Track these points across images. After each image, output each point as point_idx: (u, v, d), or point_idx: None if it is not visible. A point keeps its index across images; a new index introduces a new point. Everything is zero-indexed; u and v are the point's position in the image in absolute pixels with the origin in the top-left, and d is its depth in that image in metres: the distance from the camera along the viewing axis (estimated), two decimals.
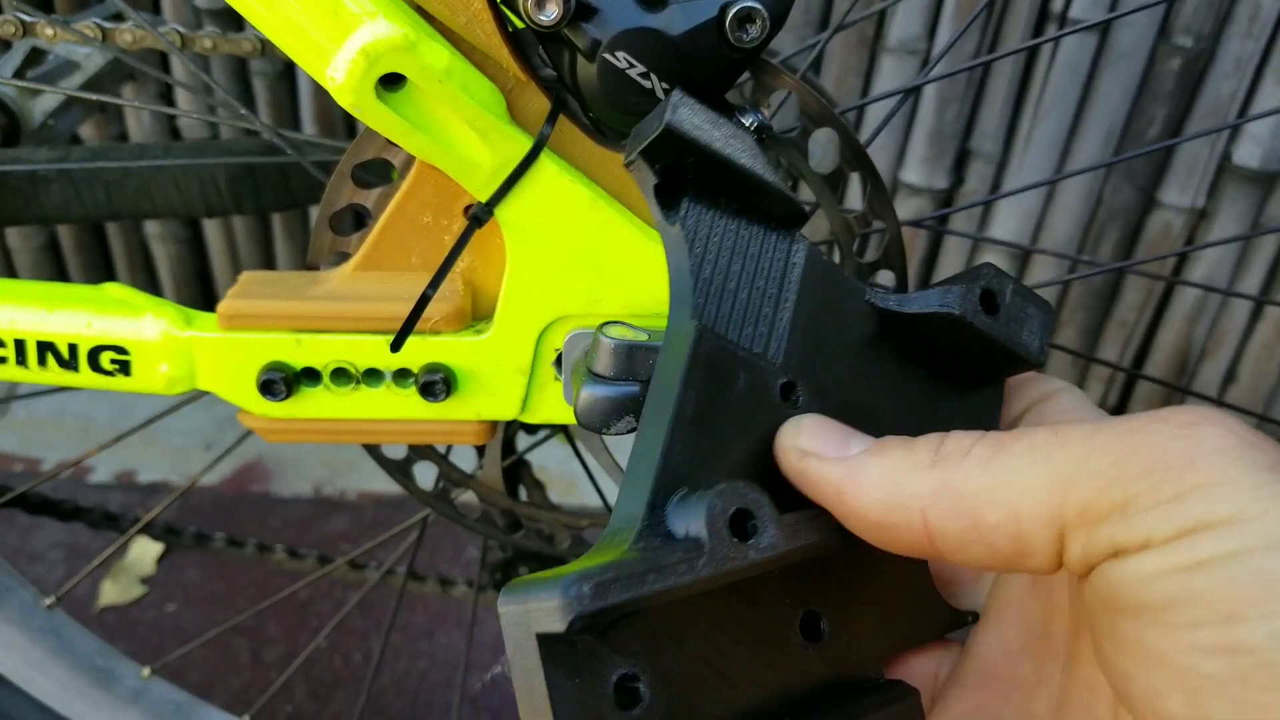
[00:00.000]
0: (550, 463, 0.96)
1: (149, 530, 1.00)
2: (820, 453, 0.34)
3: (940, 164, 1.43)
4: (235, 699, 1.14)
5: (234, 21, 1.38)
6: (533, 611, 0.29)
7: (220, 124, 1.43)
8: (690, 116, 0.35)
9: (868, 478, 0.33)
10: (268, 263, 1.60)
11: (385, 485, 1.48)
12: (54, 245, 1.62)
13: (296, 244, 1.57)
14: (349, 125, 1.46)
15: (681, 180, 0.36)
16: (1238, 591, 0.26)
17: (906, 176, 1.44)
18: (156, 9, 1.40)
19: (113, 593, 1.27)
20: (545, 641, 0.29)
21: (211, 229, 1.57)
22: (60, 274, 1.62)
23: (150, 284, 1.65)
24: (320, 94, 1.42)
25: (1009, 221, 1.45)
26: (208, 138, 1.47)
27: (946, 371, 0.39)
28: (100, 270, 1.64)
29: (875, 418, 0.37)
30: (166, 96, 1.49)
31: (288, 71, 1.43)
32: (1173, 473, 0.28)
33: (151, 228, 1.58)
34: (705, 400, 0.34)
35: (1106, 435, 0.29)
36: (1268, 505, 0.26)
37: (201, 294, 1.66)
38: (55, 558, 1.32)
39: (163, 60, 1.41)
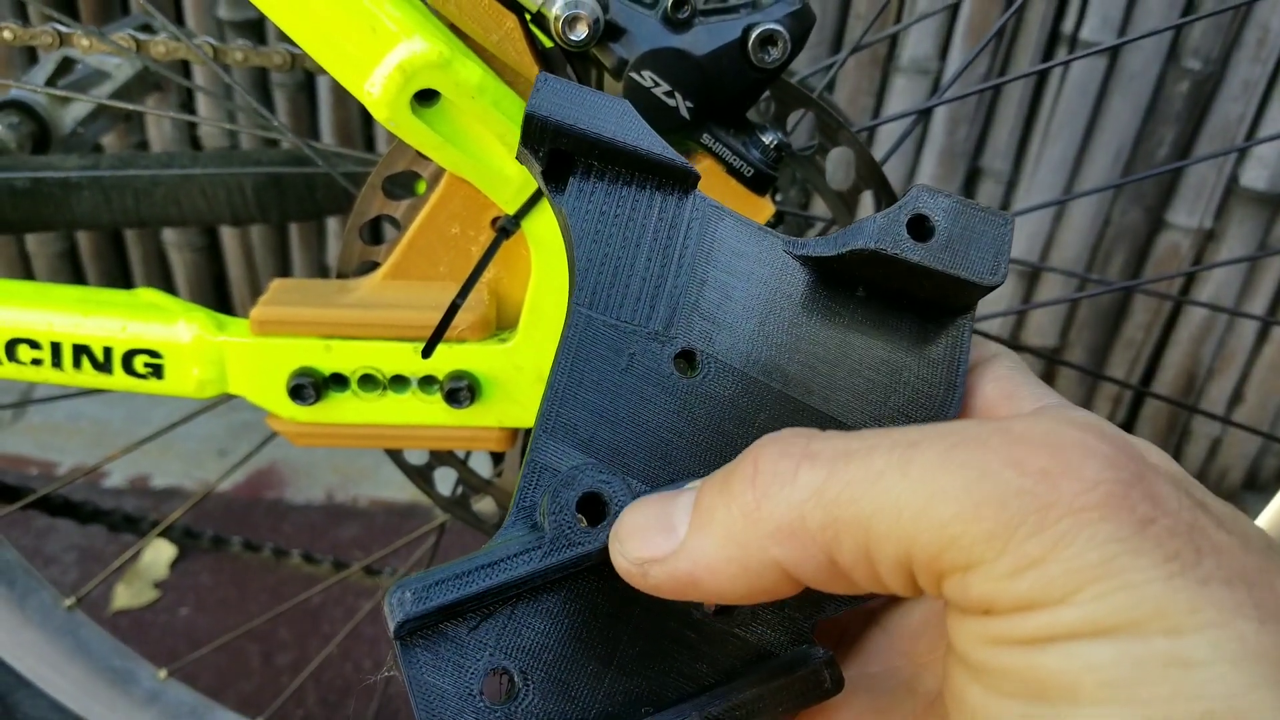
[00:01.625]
0: None
1: (167, 533, 1.02)
2: (654, 555, 0.30)
3: (951, 183, 1.45)
4: (246, 703, 1.14)
5: (256, 34, 1.40)
6: (387, 617, 0.30)
7: (241, 133, 1.45)
8: (551, 99, 0.33)
9: (712, 555, 0.29)
10: (284, 271, 1.62)
11: (397, 493, 1.49)
12: (73, 252, 1.64)
13: (312, 253, 1.59)
14: (367, 137, 1.48)
15: (568, 161, 0.34)
16: (1053, 675, 0.25)
17: None
18: (180, 21, 1.42)
19: (126, 596, 1.28)
20: (402, 643, 0.30)
21: (229, 237, 1.59)
22: (78, 280, 1.64)
23: (167, 291, 1.67)
24: (339, 106, 1.44)
25: (1018, 240, 1.47)
26: (229, 147, 1.49)
27: (897, 314, 0.36)
28: (118, 277, 1.66)
29: (815, 381, 0.35)
30: (187, 106, 1.51)
31: (307, 83, 1.45)
32: (1017, 542, 0.26)
33: (169, 235, 1.60)
34: (593, 384, 0.33)
35: (954, 474, 0.26)
36: (1108, 585, 0.25)
37: (218, 301, 1.67)
38: (69, 560, 1.33)
39: (184, 71, 1.43)
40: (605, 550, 0.31)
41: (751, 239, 0.35)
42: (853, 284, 0.35)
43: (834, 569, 0.28)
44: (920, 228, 0.33)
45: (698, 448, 0.34)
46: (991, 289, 0.34)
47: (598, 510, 0.31)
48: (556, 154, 0.34)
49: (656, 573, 0.30)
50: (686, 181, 0.35)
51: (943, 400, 0.35)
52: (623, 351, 0.34)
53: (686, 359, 0.34)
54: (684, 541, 0.30)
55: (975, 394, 0.36)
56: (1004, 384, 0.35)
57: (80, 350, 0.55)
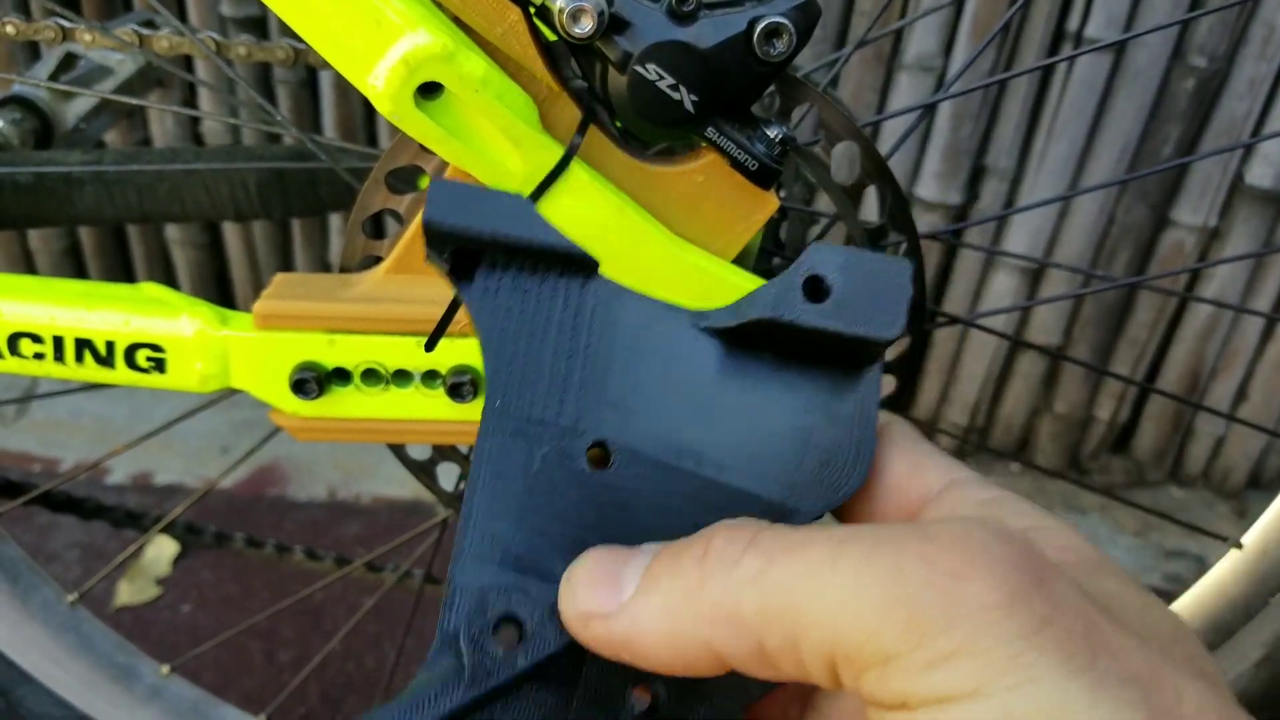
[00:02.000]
0: None
1: (169, 530, 1.02)
2: (599, 609, 0.32)
3: (955, 179, 1.44)
4: (248, 699, 1.14)
5: (259, 30, 1.40)
6: None
7: (243, 128, 1.45)
8: (447, 204, 0.33)
9: (649, 622, 0.31)
10: (286, 267, 1.62)
11: (399, 490, 1.49)
12: (75, 248, 1.64)
13: (315, 249, 1.59)
14: (369, 133, 1.48)
15: (474, 258, 0.35)
16: None
17: (921, 191, 1.45)
18: (182, 17, 1.42)
19: (128, 593, 1.28)
20: None
21: (231, 234, 1.59)
22: (80, 276, 1.64)
23: (169, 287, 1.67)
24: (342, 102, 1.44)
25: (1022, 237, 1.47)
26: (231, 143, 1.49)
27: (805, 375, 0.36)
28: (120, 273, 1.66)
29: (729, 456, 0.35)
30: (189, 102, 1.51)
31: (310, 80, 1.45)
32: (929, 637, 0.27)
33: (172, 232, 1.60)
34: (509, 492, 0.33)
35: (875, 571, 0.28)
36: (1014, 679, 0.26)
37: (220, 298, 1.67)
38: (71, 557, 1.33)
39: (187, 67, 1.43)
40: (522, 675, 0.31)
41: (655, 317, 0.35)
42: (759, 351, 0.35)
43: (762, 655, 0.29)
44: (816, 289, 0.33)
45: (618, 542, 0.33)
46: (887, 345, 0.34)
47: (516, 631, 0.32)
48: (460, 254, 0.34)
49: (596, 627, 0.31)
50: (587, 268, 0.35)
51: (854, 460, 0.36)
52: (535, 452, 0.33)
53: (600, 451, 0.34)
54: (627, 603, 0.31)
55: (883, 470, 0.37)
56: (909, 458, 0.37)
57: (83, 344, 0.55)
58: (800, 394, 0.36)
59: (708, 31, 0.47)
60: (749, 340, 0.35)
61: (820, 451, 0.35)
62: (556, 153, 0.49)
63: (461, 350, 0.53)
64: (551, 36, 0.48)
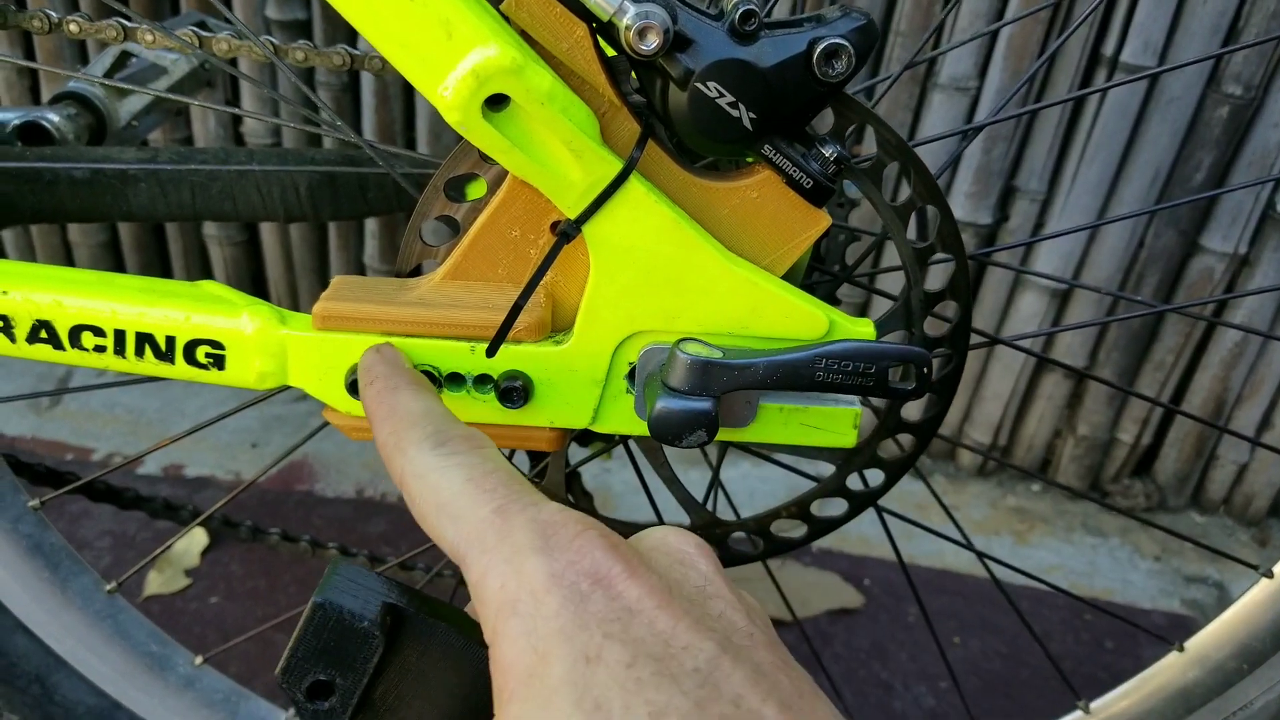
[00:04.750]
0: (584, 475, 0.98)
1: (204, 522, 1.03)
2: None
3: (986, 200, 1.45)
4: (274, 693, 1.16)
5: (305, 33, 1.42)
6: None
7: (284, 128, 1.47)
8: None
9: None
10: (322, 267, 1.64)
11: None
12: (114, 242, 1.66)
13: (350, 250, 1.61)
14: (408, 137, 1.50)
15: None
16: None
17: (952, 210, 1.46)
18: (227, 18, 1.44)
19: (158, 583, 1.30)
20: None
21: (268, 232, 1.61)
22: (118, 270, 1.66)
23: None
24: (381, 107, 1.46)
25: (1052, 258, 1.47)
26: (273, 143, 1.51)
27: None
28: (158, 267, 1.68)
29: None
30: (232, 102, 1.53)
31: (352, 83, 1.47)
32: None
33: (210, 228, 1.62)
34: None
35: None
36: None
37: (254, 294, 1.69)
38: (102, 546, 1.35)
39: (232, 67, 1.44)
40: None
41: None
42: None
43: None
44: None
45: None
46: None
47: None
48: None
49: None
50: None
51: None
52: None
53: None
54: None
55: None
56: None
57: (144, 339, 0.56)
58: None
59: (768, 51, 0.48)
60: None
61: None
62: (616, 166, 0.50)
63: (514, 356, 0.54)
64: (611, 52, 0.50)
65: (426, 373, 0.55)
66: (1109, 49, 1.34)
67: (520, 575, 0.36)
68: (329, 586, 0.40)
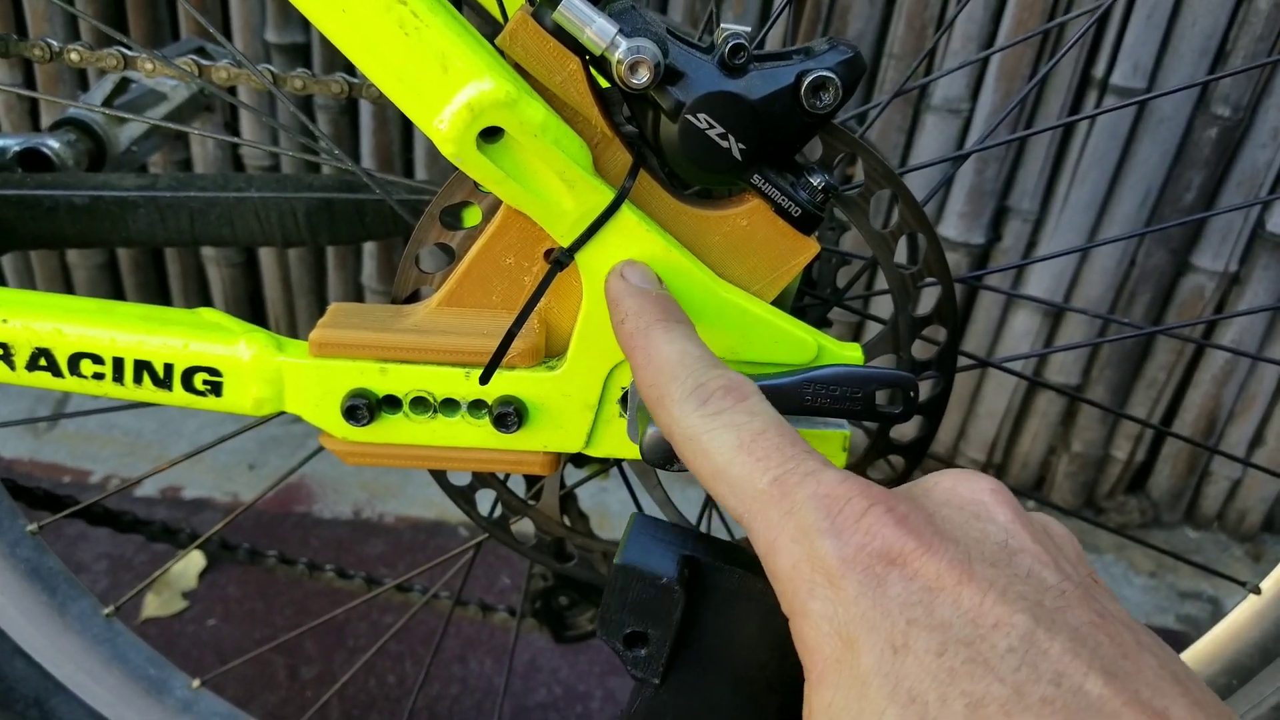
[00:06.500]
0: (581, 495, 0.99)
1: (202, 544, 1.04)
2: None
3: (979, 220, 1.46)
4: (272, 715, 1.16)
5: (303, 58, 1.43)
6: None
7: (282, 155, 1.48)
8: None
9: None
10: (319, 289, 1.65)
11: (423, 511, 1.51)
12: (112, 264, 1.67)
13: (348, 272, 1.62)
14: (406, 161, 1.51)
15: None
16: None
17: (945, 231, 1.47)
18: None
19: (156, 605, 1.30)
20: None
21: (266, 255, 1.62)
22: (116, 292, 1.67)
23: (203, 305, 1.69)
24: (379, 130, 1.47)
25: (1043, 279, 1.48)
26: (270, 168, 1.52)
27: None
28: (155, 290, 1.69)
29: None
30: (231, 127, 1.54)
31: (350, 108, 1.48)
32: None
33: (208, 251, 1.63)
34: None
35: None
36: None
37: (253, 317, 1.70)
38: (100, 569, 1.35)
39: (231, 93, 1.46)
40: None
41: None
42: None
43: None
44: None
45: None
46: None
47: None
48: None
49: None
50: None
51: None
52: None
53: None
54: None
55: None
56: None
57: (142, 366, 0.56)
58: None
59: (757, 84, 0.49)
60: None
61: None
62: (608, 195, 0.51)
63: (508, 382, 0.55)
64: (604, 84, 0.51)
65: (421, 398, 0.55)
66: (1099, 71, 1.35)
67: (812, 558, 0.35)
68: (629, 547, 0.43)
